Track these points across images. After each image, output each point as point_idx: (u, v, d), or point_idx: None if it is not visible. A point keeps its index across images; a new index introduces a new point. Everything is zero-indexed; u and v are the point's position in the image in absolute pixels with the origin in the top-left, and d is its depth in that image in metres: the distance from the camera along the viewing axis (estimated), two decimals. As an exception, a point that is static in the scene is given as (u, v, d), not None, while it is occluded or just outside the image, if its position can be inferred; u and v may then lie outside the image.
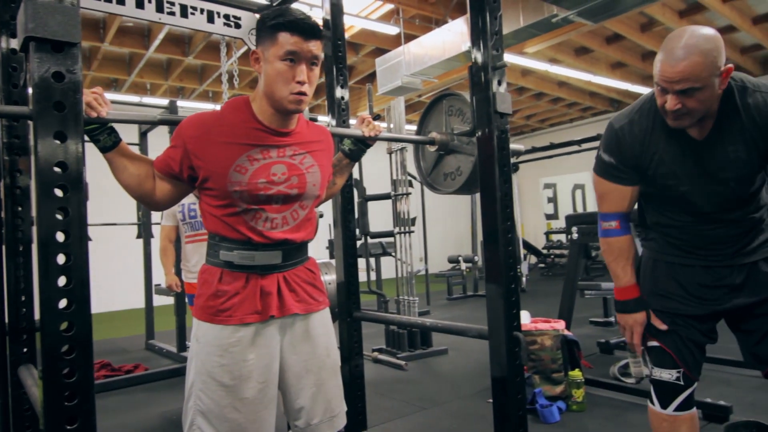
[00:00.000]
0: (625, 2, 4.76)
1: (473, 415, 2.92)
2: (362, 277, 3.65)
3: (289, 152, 1.36)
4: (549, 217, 12.00)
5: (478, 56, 1.57)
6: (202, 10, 2.43)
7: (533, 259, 11.36)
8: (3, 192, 1.81)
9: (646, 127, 1.47)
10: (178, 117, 1.38)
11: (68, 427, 0.94)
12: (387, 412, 3.03)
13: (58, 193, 0.96)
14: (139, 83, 7.99)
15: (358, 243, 4.82)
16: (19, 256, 1.80)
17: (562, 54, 7.31)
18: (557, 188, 11.87)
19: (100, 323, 6.90)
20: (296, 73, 1.28)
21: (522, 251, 9.49)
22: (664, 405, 1.53)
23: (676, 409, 1.51)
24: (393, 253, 4.87)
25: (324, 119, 2.22)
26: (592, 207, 11.12)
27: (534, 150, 7.57)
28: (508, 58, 6.41)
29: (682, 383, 1.51)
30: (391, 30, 6.30)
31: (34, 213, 1.03)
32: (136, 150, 5.00)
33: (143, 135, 5.16)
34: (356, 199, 4.89)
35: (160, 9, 2.31)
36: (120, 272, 7.99)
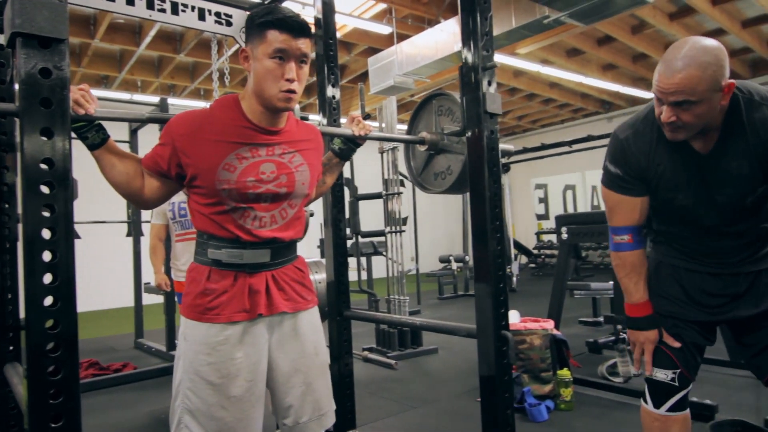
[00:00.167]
0: (617, 4, 4.80)
1: (462, 414, 2.94)
2: (353, 276, 3.65)
3: (279, 151, 1.36)
4: (540, 217, 12.05)
5: (468, 56, 1.57)
6: (193, 8, 2.41)
7: (524, 259, 11.42)
8: (-11, 189, 1.79)
9: (650, 138, 1.43)
10: (167, 115, 1.38)
11: (53, 426, 0.94)
12: (377, 411, 3.03)
13: (45, 190, 0.96)
14: (130, 80, 7.93)
15: (349, 242, 4.83)
16: (5, 253, 1.79)
17: (553, 55, 7.35)
18: (548, 189, 11.93)
19: (89, 322, 6.85)
20: (285, 70, 1.28)
21: (513, 251, 9.53)
22: (657, 405, 1.51)
23: (669, 410, 1.49)
24: (384, 253, 4.87)
25: (315, 118, 2.22)
26: (582, 207, 11.19)
27: (525, 150, 7.61)
28: (500, 58, 6.45)
29: (676, 384, 1.49)
30: (384, 29, 6.30)
31: (20, 210, 1.02)
32: (126, 148, 4.97)
33: (133, 132, 5.13)
34: (347, 198, 4.89)
35: (150, 6, 2.29)
36: (109, 270, 7.93)
